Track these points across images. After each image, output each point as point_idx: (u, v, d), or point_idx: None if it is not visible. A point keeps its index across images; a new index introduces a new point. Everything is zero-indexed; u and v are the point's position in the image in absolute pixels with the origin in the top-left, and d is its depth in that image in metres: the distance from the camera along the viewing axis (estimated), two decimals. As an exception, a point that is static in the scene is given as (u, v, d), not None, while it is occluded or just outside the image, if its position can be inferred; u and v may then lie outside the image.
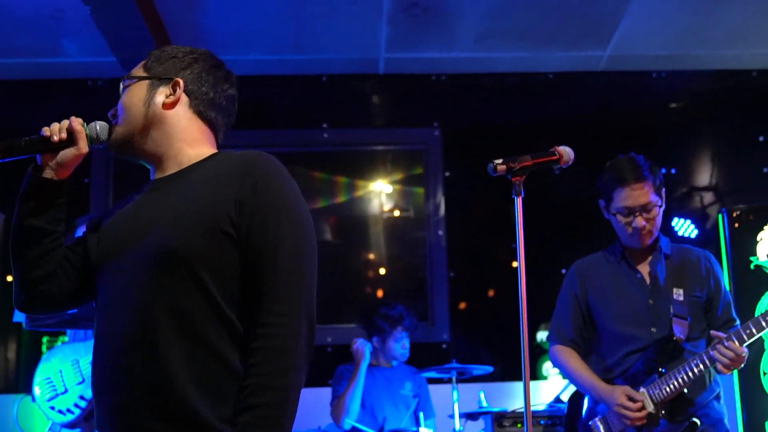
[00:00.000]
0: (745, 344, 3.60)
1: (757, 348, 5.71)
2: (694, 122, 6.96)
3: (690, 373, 3.63)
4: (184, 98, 2.33)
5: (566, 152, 2.91)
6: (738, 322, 3.91)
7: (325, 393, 5.89)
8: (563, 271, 6.52)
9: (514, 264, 6.60)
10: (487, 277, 6.76)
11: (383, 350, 5.86)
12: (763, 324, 3.60)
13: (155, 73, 2.35)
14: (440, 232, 6.73)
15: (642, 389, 3.69)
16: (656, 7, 6.01)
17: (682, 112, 6.99)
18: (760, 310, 5.70)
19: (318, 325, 6.06)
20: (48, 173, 2.33)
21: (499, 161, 2.85)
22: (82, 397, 4.70)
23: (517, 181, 2.82)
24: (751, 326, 3.60)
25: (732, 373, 5.73)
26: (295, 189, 2.21)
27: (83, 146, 2.30)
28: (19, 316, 4.35)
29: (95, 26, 5.42)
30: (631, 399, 3.67)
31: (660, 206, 3.84)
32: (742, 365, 3.66)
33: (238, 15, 5.98)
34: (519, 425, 5.16)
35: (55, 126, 2.31)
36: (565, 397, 5.47)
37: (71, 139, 2.29)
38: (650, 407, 3.65)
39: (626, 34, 6.33)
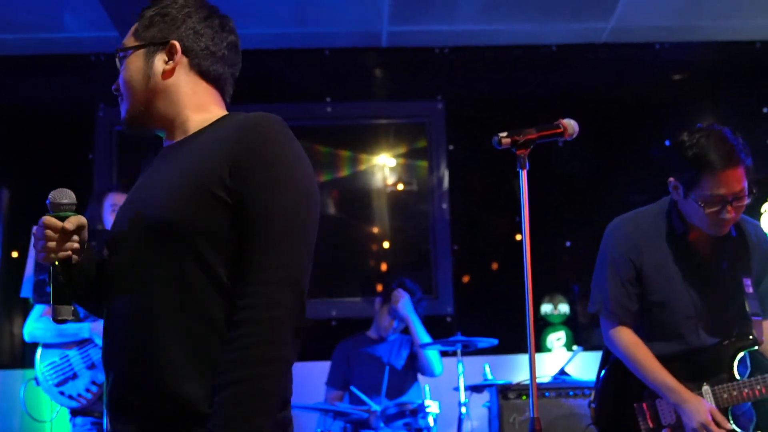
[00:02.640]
0: None
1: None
2: (697, 94, 6.94)
3: None
4: (183, 59, 2.21)
5: (571, 125, 2.89)
6: None
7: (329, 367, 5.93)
8: (567, 244, 6.58)
9: (518, 237, 6.61)
10: (491, 250, 6.77)
11: (377, 320, 5.93)
12: None
13: (149, 39, 2.21)
14: (444, 206, 6.73)
15: (706, 386, 3.38)
16: (660, -22, 5.99)
17: (685, 84, 6.98)
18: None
19: (322, 298, 6.09)
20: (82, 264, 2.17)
21: (504, 134, 2.83)
22: (93, 382, 4.64)
23: (521, 154, 2.81)
24: None
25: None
26: (296, 152, 2.07)
27: (84, 221, 2.13)
28: (26, 291, 4.35)
29: (96, 0, 5.40)
30: (716, 422, 3.26)
31: (749, 192, 3.28)
32: None
33: (240, -11, 5.96)
34: (524, 397, 5.19)
35: (52, 245, 2.09)
36: (569, 370, 5.51)
37: (79, 230, 2.12)
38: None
39: (629, 6, 6.30)
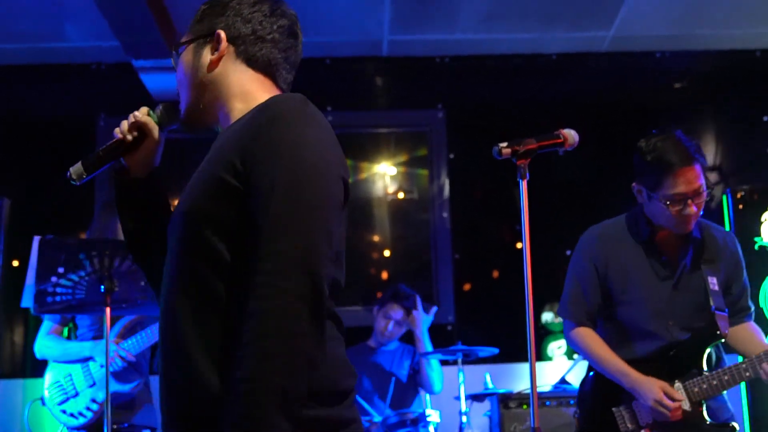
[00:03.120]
0: None
1: (763, 330, 5.72)
2: (697, 102, 6.95)
3: (738, 377, 3.43)
4: (230, 48, 2.13)
5: (571, 135, 2.91)
6: (752, 309, 3.73)
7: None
8: (568, 252, 6.52)
9: (519, 245, 6.61)
10: (492, 259, 6.77)
11: (375, 327, 5.92)
12: None
13: (197, 33, 2.17)
14: (444, 214, 6.74)
15: (678, 383, 3.48)
16: (660, -14, 6.00)
17: (685, 92, 6.98)
18: (764, 291, 5.70)
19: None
20: (136, 173, 2.25)
21: (504, 145, 2.85)
22: (93, 400, 4.66)
23: (522, 164, 2.84)
24: None
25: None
26: (307, 129, 1.91)
27: (156, 135, 2.22)
28: (26, 302, 4.35)
29: (98, 10, 5.41)
30: (669, 396, 3.40)
31: (707, 189, 3.49)
32: None
33: (240, -2, 5.96)
34: (525, 406, 5.18)
35: (125, 125, 2.21)
36: (570, 378, 5.50)
37: (143, 131, 2.21)
38: (686, 405, 3.44)
39: (629, 15, 6.31)
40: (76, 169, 2.22)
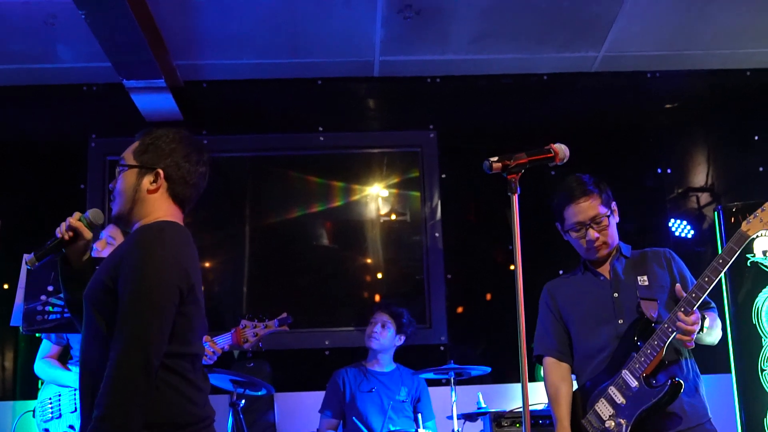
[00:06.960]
0: (695, 307, 3.62)
1: (756, 345, 5.72)
2: (688, 122, 6.96)
3: (664, 337, 3.63)
4: (165, 183, 2.91)
5: (561, 149, 2.95)
6: (713, 303, 3.94)
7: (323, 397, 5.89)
8: (560, 272, 6.55)
9: (511, 266, 6.59)
10: (485, 279, 6.75)
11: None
12: (705, 286, 3.63)
13: (142, 162, 2.92)
14: (437, 235, 6.72)
15: (624, 371, 3.69)
16: (649, 7, 6.02)
17: (676, 112, 7.00)
18: (757, 306, 5.71)
19: (316, 328, 6.20)
20: (73, 262, 3.08)
21: (495, 159, 2.89)
22: (71, 427, 4.67)
23: (512, 178, 2.87)
24: (696, 290, 3.62)
25: (730, 372, 5.78)
26: (153, 253, 2.68)
27: (87, 234, 3.05)
28: (15, 320, 4.33)
29: (90, 31, 5.42)
30: None
31: (609, 216, 3.92)
32: (698, 330, 3.62)
33: (232, 19, 5.98)
34: (517, 425, 5.16)
35: (62, 227, 3.03)
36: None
37: (77, 232, 3.02)
38: (634, 384, 3.65)
39: (620, 35, 6.34)
40: (30, 259, 3.00)
